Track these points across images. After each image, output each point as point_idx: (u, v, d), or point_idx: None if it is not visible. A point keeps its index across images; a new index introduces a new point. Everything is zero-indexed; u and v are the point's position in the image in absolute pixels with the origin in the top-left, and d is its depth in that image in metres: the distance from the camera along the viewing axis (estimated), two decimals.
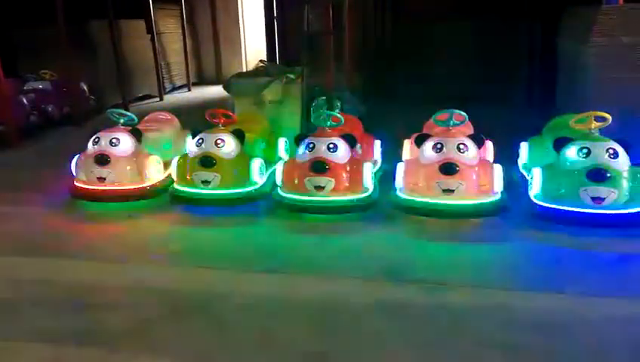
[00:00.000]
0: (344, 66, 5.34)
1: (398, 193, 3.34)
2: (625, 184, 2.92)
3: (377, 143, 4.16)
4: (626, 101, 3.84)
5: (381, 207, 3.39)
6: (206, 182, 3.49)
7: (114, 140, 3.65)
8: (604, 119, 3.13)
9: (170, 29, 9.74)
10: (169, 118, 4.48)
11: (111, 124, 3.88)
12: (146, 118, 4.45)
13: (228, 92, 4.90)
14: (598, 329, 2.14)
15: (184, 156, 3.66)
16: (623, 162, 2.97)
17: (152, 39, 8.61)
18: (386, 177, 3.70)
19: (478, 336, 2.12)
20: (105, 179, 3.58)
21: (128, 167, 3.63)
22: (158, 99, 8.83)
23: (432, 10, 7.05)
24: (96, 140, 3.69)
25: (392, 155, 3.91)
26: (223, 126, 3.76)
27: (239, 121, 4.01)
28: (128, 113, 3.99)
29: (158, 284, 2.66)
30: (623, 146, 3.01)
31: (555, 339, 2.08)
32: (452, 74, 6.65)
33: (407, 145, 3.87)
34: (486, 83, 6.40)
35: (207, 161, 3.47)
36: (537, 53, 6.24)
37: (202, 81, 10.76)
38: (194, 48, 10.70)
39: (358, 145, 3.82)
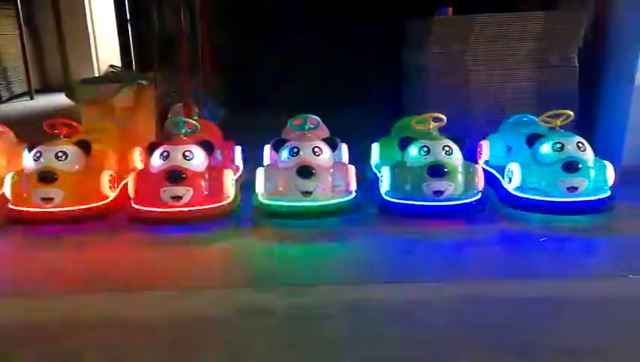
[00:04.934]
0: (202, 71, 5.22)
1: (259, 198, 3.35)
2: (460, 177, 3.24)
3: (238, 149, 4.14)
4: (458, 102, 4.28)
5: (244, 213, 3.37)
6: (47, 200, 3.17)
7: None
8: (439, 120, 3.45)
9: (5, 31, 8.72)
10: (0, 129, 3.99)
11: None
12: None
13: (72, 99, 4.51)
14: (447, 311, 2.33)
15: (19, 172, 3.29)
16: (457, 158, 3.30)
17: None
18: (248, 183, 3.69)
19: (338, 332, 2.18)
20: None
21: None
22: None
23: (291, 15, 7.21)
24: None
25: (255, 161, 3.91)
26: (65, 137, 3.45)
27: (85, 130, 3.72)
28: None
29: None
30: (456, 143, 3.34)
31: (411, 327, 2.21)
32: (311, 78, 6.86)
33: (268, 150, 3.90)
34: (343, 87, 6.70)
35: (47, 177, 3.16)
36: (387, 60, 6.68)
37: (47, 88, 9.80)
38: (36, 52, 9.71)
39: (218, 152, 3.76)
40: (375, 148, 4.01)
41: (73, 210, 3.21)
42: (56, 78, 10.00)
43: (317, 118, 3.55)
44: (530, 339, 2.09)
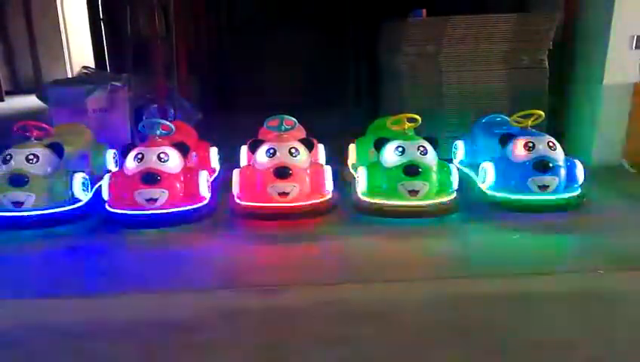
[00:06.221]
0: (177, 72, 5.18)
1: (236, 199, 3.34)
2: (434, 177, 3.28)
3: (214, 150, 4.12)
4: (432, 103, 4.33)
5: (220, 215, 3.36)
6: (18, 204, 3.11)
7: None
8: (414, 120, 3.48)
9: None
10: None
11: None
12: None
13: (43, 101, 4.43)
14: (421, 310, 2.35)
15: None
16: (432, 158, 3.33)
17: None
18: (224, 184, 3.68)
19: (312, 332, 2.19)
20: None
21: None
22: None
23: (266, 17, 7.21)
24: None
25: (231, 162, 3.89)
26: (36, 139, 3.39)
27: (57, 132, 3.66)
28: None
29: None
30: (431, 143, 3.37)
31: (386, 326, 2.22)
32: (287, 79, 6.87)
33: (244, 151, 3.89)
34: (319, 88, 6.73)
35: (18, 180, 3.10)
36: (363, 61, 6.73)
37: (18, 89, 9.59)
38: (6, 53, 9.51)
39: (193, 154, 3.73)
40: (352, 148, 4.03)
41: (44, 214, 3.15)
42: (28, 79, 9.80)
43: (293, 118, 3.56)
44: (500, 335, 2.13)
